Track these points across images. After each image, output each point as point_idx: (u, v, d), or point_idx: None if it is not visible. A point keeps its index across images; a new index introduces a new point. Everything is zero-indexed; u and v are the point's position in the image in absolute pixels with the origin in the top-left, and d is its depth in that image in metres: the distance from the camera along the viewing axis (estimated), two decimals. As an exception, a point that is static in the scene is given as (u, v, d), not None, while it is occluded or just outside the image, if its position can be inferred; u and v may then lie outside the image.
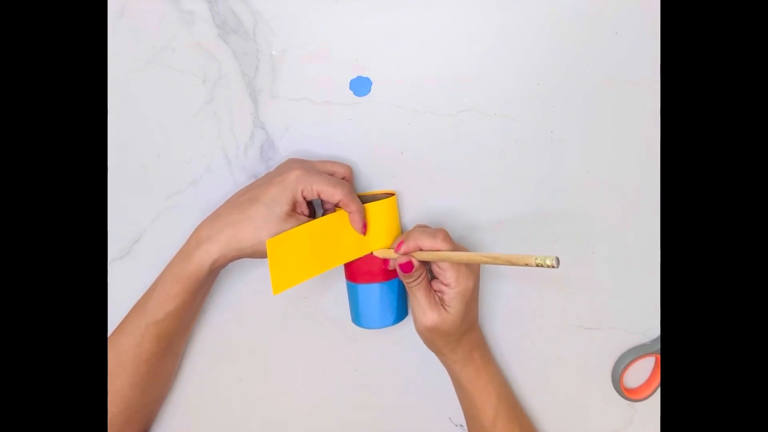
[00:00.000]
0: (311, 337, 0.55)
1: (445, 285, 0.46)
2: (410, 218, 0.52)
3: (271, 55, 0.50)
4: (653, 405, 0.55)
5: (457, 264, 0.45)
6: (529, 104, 0.50)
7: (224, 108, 0.51)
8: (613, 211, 0.52)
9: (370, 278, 0.48)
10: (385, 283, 0.48)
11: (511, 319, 0.54)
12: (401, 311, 0.50)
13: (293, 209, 0.45)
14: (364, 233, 0.47)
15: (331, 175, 0.48)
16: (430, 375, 0.55)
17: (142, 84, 0.50)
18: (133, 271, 0.52)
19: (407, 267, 0.45)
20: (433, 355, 0.54)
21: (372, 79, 0.50)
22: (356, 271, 0.48)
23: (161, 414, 0.55)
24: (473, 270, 0.47)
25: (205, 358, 0.55)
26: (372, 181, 0.52)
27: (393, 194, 0.50)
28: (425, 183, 0.52)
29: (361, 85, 0.50)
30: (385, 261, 0.48)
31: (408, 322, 0.53)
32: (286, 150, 0.51)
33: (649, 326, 0.54)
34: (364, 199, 0.48)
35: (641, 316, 0.54)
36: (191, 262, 0.45)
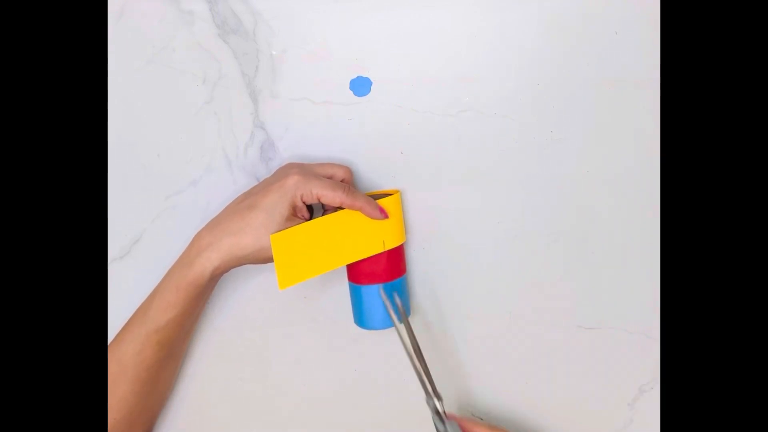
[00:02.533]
0: (311, 337, 0.55)
1: None
2: (410, 218, 0.52)
3: (271, 55, 0.50)
4: (653, 405, 0.55)
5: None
6: (529, 104, 0.50)
7: (224, 108, 0.51)
8: (613, 211, 0.52)
9: (372, 279, 0.48)
10: (388, 283, 0.48)
11: (512, 320, 0.54)
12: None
13: (293, 214, 0.45)
14: (387, 216, 0.47)
15: (331, 177, 0.48)
16: (431, 375, 0.55)
17: (142, 84, 0.50)
18: (133, 271, 0.52)
19: None
20: (433, 355, 0.54)
21: (372, 79, 0.50)
22: (359, 273, 0.48)
23: (163, 414, 0.55)
24: None
25: (206, 358, 0.55)
26: (372, 181, 0.52)
27: (397, 192, 0.50)
28: (425, 183, 0.52)
29: (361, 85, 0.50)
30: (388, 261, 0.48)
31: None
32: (286, 150, 0.51)
33: (649, 326, 0.54)
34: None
35: (641, 316, 0.54)
36: (192, 270, 0.45)
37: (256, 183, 0.52)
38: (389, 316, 0.49)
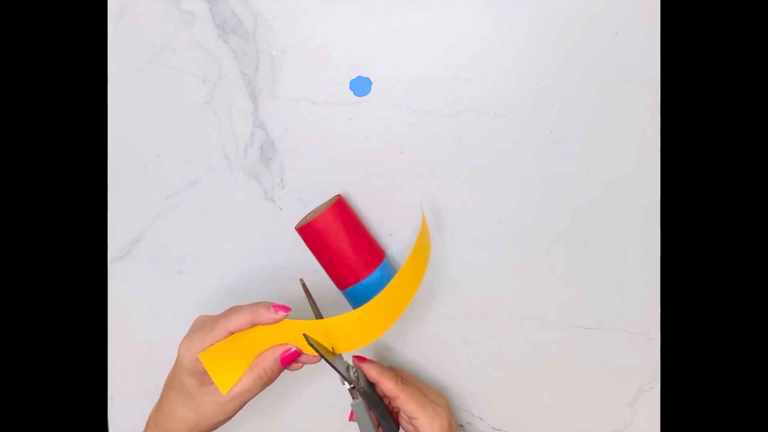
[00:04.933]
0: (311, 337, 0.55)
1: None
2: (409, 218, 0.52)
3: (271, 55, 0.50)
4: (653, 405, 0.55)
5: (425, 401, 0.44)
6: (529, 104, 0.50)
7: (224, 108, 0.51)
8: (613, 211, 0.52)
9: (354, 280, 0.48)
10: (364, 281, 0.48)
11: (512, 320, 0.54)
12: None
13: (201, 382, 0.41)
14: (286, 310, 0.41)
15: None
16: (430, 375, 0.55)
17: (142, 84, 0.50)
18: (133, 271, 0.52)
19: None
20: (432, 355, 0.54)
21: (372, 79, 0.50)
22: (343, 280, 0.48)
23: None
24: (442, 403, 0.46)
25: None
26: (372, 181, 0.52)
27: (339, 197, 0.49)
28: (425, 183, 0.52)
29: (361, 85, 0.50)
30: (365, 261, 0.47)
31: (407, 322, 0.53)
32: (286, 150, 0.51)
33: (649, 326, 0.54)
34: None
35: (641, 316, 0.54)
36: None
37: (255, 183, 0.52)
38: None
